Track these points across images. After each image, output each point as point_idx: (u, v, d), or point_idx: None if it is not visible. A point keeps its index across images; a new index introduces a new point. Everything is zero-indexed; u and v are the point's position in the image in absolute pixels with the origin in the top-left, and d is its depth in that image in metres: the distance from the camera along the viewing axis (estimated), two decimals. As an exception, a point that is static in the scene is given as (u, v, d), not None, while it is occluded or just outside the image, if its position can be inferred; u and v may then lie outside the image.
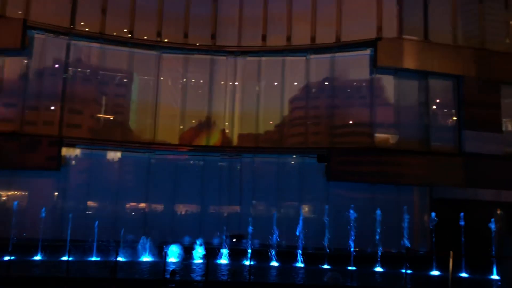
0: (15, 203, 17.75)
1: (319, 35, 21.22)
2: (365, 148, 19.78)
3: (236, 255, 17.31)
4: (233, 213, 20.79)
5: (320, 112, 21.03)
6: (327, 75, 21.04)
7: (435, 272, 16.22)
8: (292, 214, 20.64)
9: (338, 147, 20.07)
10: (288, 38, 21.39)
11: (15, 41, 19.09)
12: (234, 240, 19.47)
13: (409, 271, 15.07)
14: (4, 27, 19.15)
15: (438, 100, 20.61)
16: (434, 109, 20.59)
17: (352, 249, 17.92)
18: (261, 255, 17.97)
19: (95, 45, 20.61)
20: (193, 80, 21.89)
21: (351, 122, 20.75)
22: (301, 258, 17.49)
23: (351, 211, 18.80)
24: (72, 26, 20.31)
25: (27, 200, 19.76)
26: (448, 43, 20.49)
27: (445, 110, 20.75)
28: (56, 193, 19.90)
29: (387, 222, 19.40)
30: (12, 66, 19.78)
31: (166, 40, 21.40)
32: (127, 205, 20.80)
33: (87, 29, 20.70)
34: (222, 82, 21.81)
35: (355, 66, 20.71)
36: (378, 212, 19.14)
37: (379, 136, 20.13)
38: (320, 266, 17.11)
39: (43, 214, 17.32)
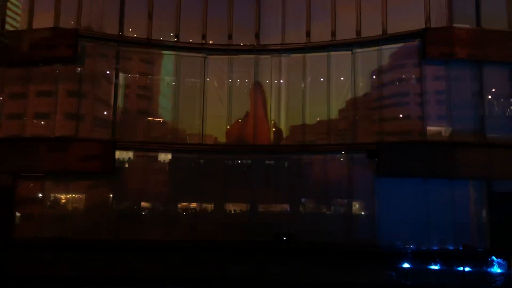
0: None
1: (364, 28, 20.77)
2: (417, 142, 19.15)
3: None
4: (282, 211, 20.81)
5: (368, 107, 20.58)
6: (374, 68, 20.57)
7: (496, 270, 15.52)
8: (341, 210, 20.44)
9: (388, 142, 19.56)
10: (333, 33, 21.11)
11: (68, 50, 19.94)
12: (284, 238, 19.51)
13: (467, 269, 14.53)
14: (58, 37, 20.05)
15: (493, 90, 19.61)
16: (490, 99, 19.60)
17: (406, 246, 17.55)
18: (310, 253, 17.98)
19: (142, 49, 21.20)
20: (238, 80, 22.05)
21: (401, 116, 20.16)
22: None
23: (404, 207, 18.42)
24: (120, 33, 21.00)
25: (84, 202, 20.61)
26: (503, 28, 19.46)
27: (502, 100, 19.71)
28: (111, 195, 20.60)
29: (442, 218, 18.94)
30: (66, 74, 20.61)
31: (211, 42, 21.73)
32: (179, 205, 21.26)
33: (134, 35, 21.34)
34: (267, 81, 21.85)
35: (404, 58, 20.09)
36: (432, 208, 18.69)
37: (431, 129, 19.39)
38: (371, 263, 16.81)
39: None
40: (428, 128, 19.27)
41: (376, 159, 19.47)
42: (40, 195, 20.30)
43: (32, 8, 20.88)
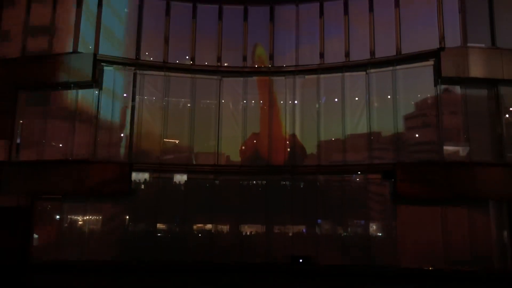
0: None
1: (378, 48, 20.88)
2: (434, 162, 19.00)
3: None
4: (299, 232, 20.67)
5: (384, 127, 20.49)
6: (389, 88, 20.53)
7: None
8: (359, 232, 20.25)
9: (404, 162, 19.43)
10: (347, 54, 21.24)
11: (87, 74, 20.36)
12: (301, 261, 19.33)
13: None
14: (77, 62, 20.51)
15: (511, 109, 19.45)
16: (507, 118, 19.42)
17: (425, 268, 17.29)
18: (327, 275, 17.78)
19: (159, 73, 21.54)
20: (253, 101, 22.21)
21: (417, 135, 20.07)
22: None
23: (422, 228, 18.20)
24: (137, 57, 21.40)
25: (101, 224, 20.72)
26: (519, 48, 19.39)
27: (519, 119, 19.52)
28: (127, 216, 20.69)
29: (461, 239, 18.65)
30: (85, 97, 20.98)
31: (226, 64, 22.01)
32: (194, 227, 21.25)
33: (151, 58, 21.71)
34: (282, 101, 21.97)
35: (419, 78, 20.01)
36: (452, 228, 18.45)
37: (448, 149, 19.23)
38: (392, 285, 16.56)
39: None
40: (445, 148, 19.11)
41: (393, 180, 19.32)
42: (58, 217, 20.49)
43: (54, 32, 21.37)
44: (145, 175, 21.11)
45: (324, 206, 20.53)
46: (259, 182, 21.75)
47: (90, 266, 19.09)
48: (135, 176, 20.61)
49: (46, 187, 19.97)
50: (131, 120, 21.04)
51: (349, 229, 20.40)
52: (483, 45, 19.51)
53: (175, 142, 21.93)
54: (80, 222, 20.75)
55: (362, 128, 20.84)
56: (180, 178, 21.46)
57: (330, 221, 20.61)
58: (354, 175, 20.85)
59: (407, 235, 19.08)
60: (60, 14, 21.47)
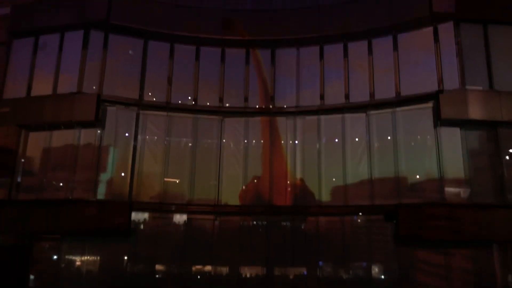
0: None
1: (378, 91, 21.21)
2: (436, 204, 18.85)
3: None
4: (300, 274, 20.29)
5: (385, 168, 20.50)
6: (389, 130, 20.70)
7: None
8: (360, 274, 19.89)
9: (406, 204, 19.31)
10: (346, 96, 21.56)
11: (90, 114, 20.58)
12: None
13: None
14: (81, 102, 20.81)
15: (510, 150, 19.51)
16: (507, 159, 19.46)
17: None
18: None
19: (162, 113, 21.80)
20: (254, 141, 22.36)
21: (418, 177, 20.05)
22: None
23: (426, 271, 17.87)
24: (140, 97, 21.73)
25: (99, 264, 20.39)
26: (516, 90, 19.69)
27: (519, 160, 19.55)
28: (125, 257, 20.39)
29: (465, 284, 18.31)
30: (87, 136, 21.15)
31: (227, 105, 22.32)
32: (193, 268, 20.90)
33: (154, 98, 22.05)
34: (283, 141, 22.11)
35: (418, 120, 20.22)
36: (457, 272, 18.13)
37: (449, 190, 19.15)
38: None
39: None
40: (447, 189, 19.05)
41: (394, 221, 19.15)
42: (55, 256, 20.21)
43: (58, 73, 21.79)
44: (145, 215, 20.97)
45: (326, 248, 20.25)
46: (260, 222, 21.56)
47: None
48: (134, 215, 20.46)
49: (45, 226, 19.82)
50: (132, 159, 21.10)
51: (350, 271, 20.04)
52: (481, 88, 19.82)
53: (176, 181, 21.90)
54: (78, 263, 20.44)
55: (363, 169, 20.86)
56: (180, 218, 21.29)
57: (331, 263, 20.29)
58: (355, 216, 20.69)
59: (410, 278, 18.74)
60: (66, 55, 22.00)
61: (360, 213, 20.42)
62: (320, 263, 20.25)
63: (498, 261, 18.54)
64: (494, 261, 18.51)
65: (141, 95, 21.82)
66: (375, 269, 19.74)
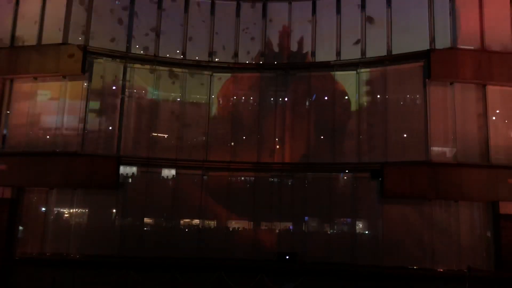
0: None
1: (369, 49, 20.98)
2: (421, 163, 19.10)
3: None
4: (285, 229, 20.72)
5: (373, 127, 20.59)
6: (379, 88, 20.67)
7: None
8: (345, 230, 20.37)
9: (391, 162, 19.52)
10: (338, 53, 21.31)
11: (77, 66, 20.14)
12: (287, 257, 19.39)
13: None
14: (67, 53, 20.28)
15: (498, 111, 19.61)
16: (494, 120, 19.59)
17: (410, 268, 17.42)
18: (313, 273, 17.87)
19: (149, 66, 21.41)
20: (243, 98, 22.18)
21: (405, 135, 20.16)
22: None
23: (408, 228, 18.32)
24: (128, 50, 21.24)
25: (87, 217, 20.59)
26: (508, 50, 19.56)
27: (506, 121, 19.71)
28: (114, 210, 20.57)
29: (446, 239, 18.86)
30: (74, 89, 20.75)
31: (216, 60, 21.97)
32: (182, 221, 21.19)
33: (141, 52, 21.57)
34: (272, 99, 21.98)
35: (408, 78, 20.13)
36: (437, 229, 18.60)
37: (435, 150, 19.34)
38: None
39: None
40: (432, 148, 19.22)
41: (380, 179, 19.44)
42: (44, 209, 20.34)
43: (42, 24, 21.13)
44: (133, 169, 20.99)
45: (312, 204, 20.55)
46: (248, 178, 21.75)
47: (76, 261, 18.97)
48: (123, 169, 20.48)
49: (32, 179, 19.85)
50: (120, 113, 20.88)
51: (335, 226, 20.52)
52: (472, 47, 19.66)
53: (165, 136, 21.82)
54: (66, 215, 20.61)
55: (351, 127, 20.92)
56: (169, 173, 21.37)
57: (317, 219, 20.72)
58: (342, 174, 20.93)
59: (392, 234, 19.26)
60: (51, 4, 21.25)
61: (347, 171, 20.64)
62: (306, 218, 20.65)
63: (478, 219, 19.10)
64: (474, 218, 19.10)
65: (128, 48, 21.32)
66: (359, 225, 20.21)
